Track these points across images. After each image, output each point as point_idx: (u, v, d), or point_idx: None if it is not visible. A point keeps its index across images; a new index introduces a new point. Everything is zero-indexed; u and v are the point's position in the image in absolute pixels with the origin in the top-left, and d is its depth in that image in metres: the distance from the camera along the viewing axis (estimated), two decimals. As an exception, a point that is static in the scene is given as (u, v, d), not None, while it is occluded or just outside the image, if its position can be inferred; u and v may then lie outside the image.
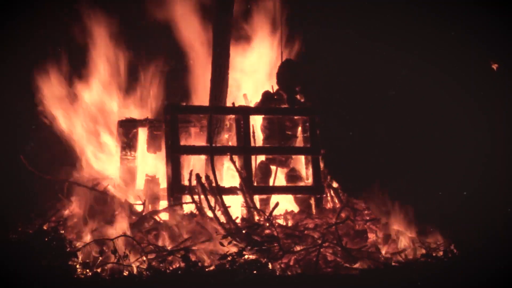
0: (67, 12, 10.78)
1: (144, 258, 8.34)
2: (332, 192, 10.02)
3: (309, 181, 9.98)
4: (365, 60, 11.67)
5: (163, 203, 9.71)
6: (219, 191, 9.37)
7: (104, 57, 10.59)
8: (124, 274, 8.15)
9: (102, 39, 10.63)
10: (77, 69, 10.55)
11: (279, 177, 10.09)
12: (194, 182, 9.41)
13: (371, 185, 10.42)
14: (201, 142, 9.98)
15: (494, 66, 11.07)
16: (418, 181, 11.40)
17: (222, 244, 8.55)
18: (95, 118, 10.37)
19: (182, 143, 9.78)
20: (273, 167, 10.07)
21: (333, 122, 10.87)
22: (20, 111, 10.84)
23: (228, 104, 10.05)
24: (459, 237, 9.36)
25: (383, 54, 11.70)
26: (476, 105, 11.67)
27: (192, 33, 10.89)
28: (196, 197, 9.34)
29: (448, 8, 11.60)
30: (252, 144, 9.95)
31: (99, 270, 8.18)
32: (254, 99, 10.36)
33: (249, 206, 9.46)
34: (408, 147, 11.70)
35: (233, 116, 10.02)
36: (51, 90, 10.40)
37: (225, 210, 9.22)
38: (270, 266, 8.37)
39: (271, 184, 10.01)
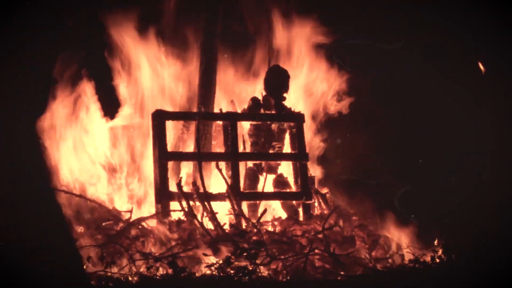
0: None
1: (132, 265, 8.32)
2: (320, 198, 10.02)
3: (297, 187, 9.98)
4: (357, 59, 11.66)
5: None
6: (207, 198, 9.36)
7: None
8: (112, 280, 8.13)
9: None
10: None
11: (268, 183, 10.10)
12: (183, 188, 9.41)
13: (360, 190, 10.42)
14: (189, 148, 9.98)
15: (481, 68, 11.08)
16: (413, 184, 11.37)
17: (206, 254, 8.53)
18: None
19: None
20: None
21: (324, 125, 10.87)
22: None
23: (216, 110, 10.06)
24: (454, 240, 9.35)
25: (381, 53, 11.68)
26: (475, 105, 11.64)
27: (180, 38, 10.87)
28: (184, 203, 9.33)
29: (448, 8, 11.58)
30: (241, 150, 9.96)
31: (86, 277, 8.16)
32: (242, 105, 10.37)
33: (236, 212, 9.45)
34: (404, 149, 11.66)
35: (221, 122, 10.02)
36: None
37: (213, 217, 9.21)
38: (257, 272, 8.36)
39: (259, 190, 10.01)
